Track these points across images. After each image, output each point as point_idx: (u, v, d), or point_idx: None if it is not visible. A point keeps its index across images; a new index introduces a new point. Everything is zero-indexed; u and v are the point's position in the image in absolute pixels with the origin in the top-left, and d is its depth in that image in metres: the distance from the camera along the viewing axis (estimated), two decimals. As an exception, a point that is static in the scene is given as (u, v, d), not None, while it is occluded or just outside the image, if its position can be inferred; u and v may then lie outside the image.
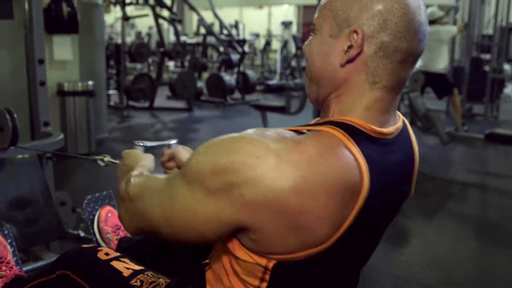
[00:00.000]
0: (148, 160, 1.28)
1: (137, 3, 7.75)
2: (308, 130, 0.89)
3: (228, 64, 9.20)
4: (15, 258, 1.70)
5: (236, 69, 9.35)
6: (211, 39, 9.66)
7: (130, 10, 8.13)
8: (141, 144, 1.39)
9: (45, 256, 2.32)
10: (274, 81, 11.10)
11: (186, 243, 0.94)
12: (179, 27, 8.81)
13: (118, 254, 1.28)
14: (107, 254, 1.27)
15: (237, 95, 9.50)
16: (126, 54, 7.91)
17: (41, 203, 2.31)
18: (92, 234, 1.86)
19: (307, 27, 14.50)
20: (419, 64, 6.29)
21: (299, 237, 0.84)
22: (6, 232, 1.74)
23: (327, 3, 0.94)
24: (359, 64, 0.90)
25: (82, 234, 2.63)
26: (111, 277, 1.20)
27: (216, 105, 8.94)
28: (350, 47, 0.89)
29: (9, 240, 1.72)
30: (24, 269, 1.90)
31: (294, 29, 14.02)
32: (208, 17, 9.74)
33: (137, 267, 1.22)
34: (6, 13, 2.10)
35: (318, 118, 1.02)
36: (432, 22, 6.14)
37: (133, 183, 1.05)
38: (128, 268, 1.21)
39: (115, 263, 1.23)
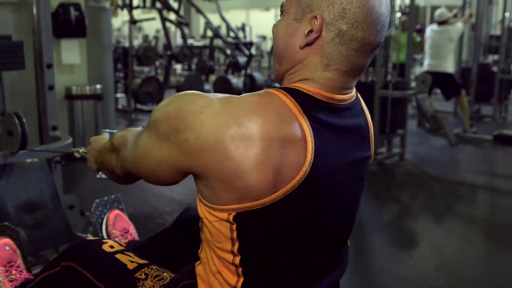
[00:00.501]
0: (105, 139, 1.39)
1: (144, 7, 7.77)
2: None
3: (235, 67, 9.21)
4: (24, 262, 1.71)
5: (243, 72, 9.36)
6: (218, 42, 9.67)
7: (137, 14, 8.16)
8: (107, 130, 1.54)
9: (54, 260, 2.33)
10: (281, 83, 11.08)
11: (152, 183, 1.06)
12: (186, 30, 8.83)
13: (122, 247, 1.29)
14: (111, 246, 1.28)
15: (244, 97, 9.50)
16: (133, 58, 7.94)
17: (50, 207, 2.32)
18: (101, 237, 1.87)
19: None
20: (427, 64, 6.30)
21: (241, 184, 0.89)
22: (16, 236, 1.75)
23: None
24: (317, 48, 0.96)
25: (90, 237, 2.64)
26: (115, 269, 1.21)
27: (223, 107, 8.94)
28: (310, 31, 0.95)
29: (18, 244, 1.73)
30: (33, 272, 1.91)
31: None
32: (215, 20, 9.75)
33: (141, 261, 1.23)
34: (19, 64, 2.18)
35: None
36: (441, 23, 6.15)
37: (116, 134, 1.20)
38: (132, 262, 1.22)
39: (119, 256, 1.24)
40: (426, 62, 6.33)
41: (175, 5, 8.33)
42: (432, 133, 5.43)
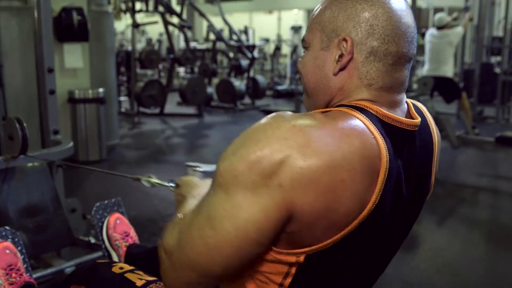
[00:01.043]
0: (205, 187, 1.17)
1: (147, 11, 7.81)
2: (324, 112, 0.89)
3: (238, 70, 9.23)
4: (25, 265, 1.72)
5: (246, 75, 9.38)
6: (220, 45, 9.69)
7: (140, 17, 8.20)
8: (199, 169, 1.28)
9: (56, 263, 2.34)
10: (284, 86, 11.11)
11: (242, 269, 0.87)
12: (188, 34, 8.86)
13: (132, 268, 1.29)
14: (121, 268, 1.28)
15: (247, 100, 9.52)
16: (136, 61, 7.97)
17: (51, 210, 2.33)
18: (101, 241, 1.88)
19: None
20: (426, 68, 6.30)
21: (328, 219, 0.82)
22: (16, 239, 1.76)
23: (314, 18, 0.96)
24: (352, 71, 0.91)
25: (92, 240, 2.65)
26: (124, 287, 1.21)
27: (226, 110, 8.97)
28: (341, 55, 0.91)
29: (19, 248, 1.75)
30: (34, 276, 1.92)
31: (303, 33, 14.01)
32: (218, 23, 9.77)
33: (150, 278, 1.23)
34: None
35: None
36: (441, 27, 6.15)
37: (166, 236, 0.93)
38: (141, 279, 1.22)
39: (129, 275, 1.24)
40: (426, 66, 6.34)
41: (177, 8, 8.37)
42: (434, 135, 5.41)
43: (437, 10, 11.61)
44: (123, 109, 8.34)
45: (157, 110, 8.19)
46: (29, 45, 2.44)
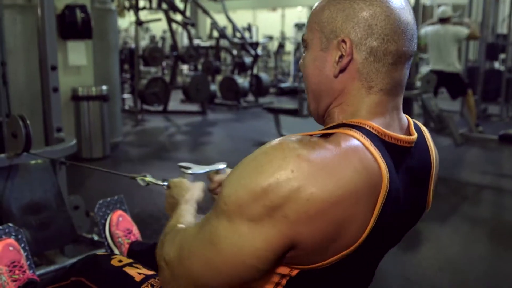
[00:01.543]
0: (196, 190, 1.24)
1: (150, 8, 7.82)
2: (323, 135, 0.88)
3: (241, 67, 9.23)
4: (28, 262, 1.73)
5: (249, 72, 9.38)
6: (224, 42, 9.69)
7: (144, 15, 8.20)
8: (189, 172, 1.30)
9: (59, 260, 2.35)
10: (287, 83, 11.11)
11: (241, 286, 0.86)
12: (192, 31, 8.86)
13: (131, 260, 1.30)
14: (120, 261, 1.29)
15: (250, 98, 9.52)
16: (140, 58, 7.98)
17: (54, 207, 2.34)
18: (104, 238, 1.88)
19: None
20: (432, 63, 6.27)
21: (330, 247, 0.83)
22: (19, 236, 1.77)
23: (313, 17, 0.95)
24: (352, 72, 0.91)
25: (95, 237, 2.66)
26: (123, 282, 1.22)
27: (229, 108, 8.97)
28: (341, 57, 0.90)
29: (22, 245, 1.75)
30: (37, 272, 1.93)
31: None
32: (221, 20, 9.77)
33: (149, 272, 1.24)
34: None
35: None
36: (443, 20, 6.11)
37: (166, 245, 0.96)
38: (140, 273, 1.23)
39: (128, 269, 1.25)
40: (432, 61, 6.31)
41: (181, 6, 8.37)
42: (438, 133, 5.41)
43: (439, 6, 11.56)
44: (126, 107, 8.35)
45: (160, 108, 8.20)
46: (32, 43, 2.44)
